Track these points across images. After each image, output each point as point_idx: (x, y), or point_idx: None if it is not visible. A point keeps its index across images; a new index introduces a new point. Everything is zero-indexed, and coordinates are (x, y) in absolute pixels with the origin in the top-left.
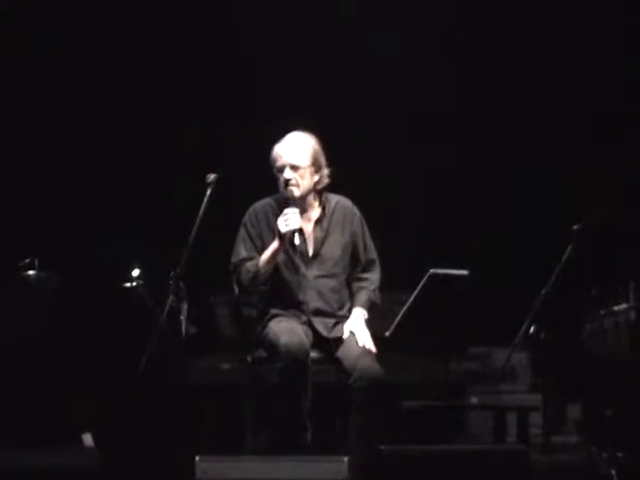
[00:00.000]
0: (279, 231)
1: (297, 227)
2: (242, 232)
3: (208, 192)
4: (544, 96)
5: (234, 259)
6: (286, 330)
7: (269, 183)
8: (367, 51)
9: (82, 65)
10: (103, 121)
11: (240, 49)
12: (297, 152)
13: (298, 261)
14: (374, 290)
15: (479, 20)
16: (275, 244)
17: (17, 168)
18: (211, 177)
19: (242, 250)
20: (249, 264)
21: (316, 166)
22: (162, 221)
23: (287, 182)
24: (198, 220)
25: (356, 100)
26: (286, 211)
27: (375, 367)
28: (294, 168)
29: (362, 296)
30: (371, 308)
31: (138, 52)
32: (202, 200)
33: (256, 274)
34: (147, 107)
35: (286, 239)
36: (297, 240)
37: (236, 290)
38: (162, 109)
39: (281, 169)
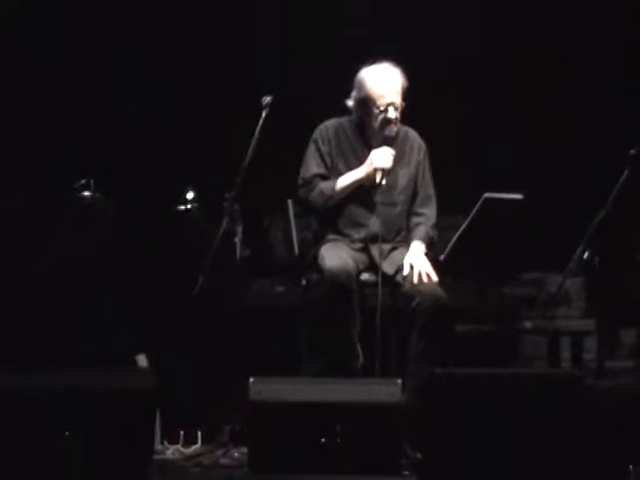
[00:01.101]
0: (371, 164)
1: (389, 166)
2: (312, 148)
3: (263, 114)
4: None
5: (305, 174)
6: (333, 255)
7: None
8: None
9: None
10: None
11: None
12: (399, 91)
13: (366, 186)
14: (432, 226)
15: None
16: (361, 174)
17: (74, 94)
18: (267, 99)
19: (313, 166)
20: (323, 185)
21: (404, 98)
22: (218, 143)
23: (389, 121)
24: (253, 142)
25: None
26: (384, 148)
27: (439, 291)
28: (396, 107)
29: (420, 231)
30: (429, 243)
31: None
32: (257, 122)
33: (331, 197)
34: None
35: (374, 174)
36: (383, 180)
37: (305, 206)
38: (216, 37)
39: (385, 107)
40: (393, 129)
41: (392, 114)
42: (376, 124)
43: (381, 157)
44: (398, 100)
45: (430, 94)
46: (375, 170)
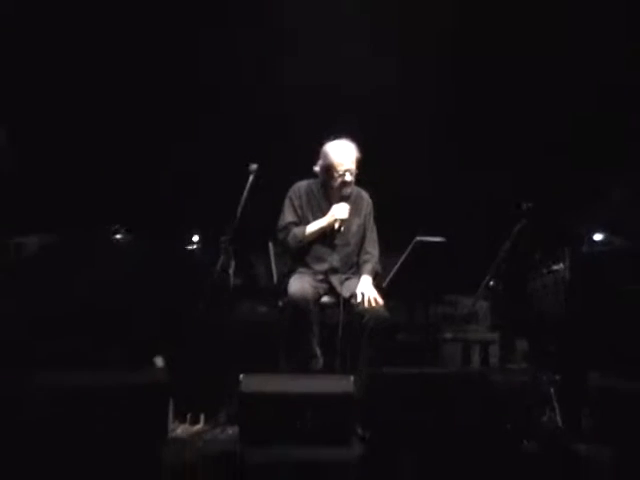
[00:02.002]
0: (332, 215)
1: (345, 217)
2: (287, 202)
3: (250, 178)
4: None
5: (282, 222)
6: (296, 284)
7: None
8: None
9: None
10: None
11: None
12: (353, 159)
13: (327, 232)
14: (376, 262)
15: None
16: (324, 223)
17: (106, 147)
18: (253, 167)
19: (288, 216)
20: (296, 230)
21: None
22: (217, 199)
23: (345, 183)
24: (242, 199)
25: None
26: (342, 204)
27: (382, 310)
28: (351, 172)
29: (368, 267)
30: (375, 275)
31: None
32: (246, 184)
33: (301, 240)
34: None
35: (334, 223)
36: (341, 227)
37: (282, 245)
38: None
39: (342, 173)
40: (348, 190)
41: (348, 178)
42: (336, 185)
43: (340, 210)
44: (353, 167)
45: (376, 164)
46: (335, 220)
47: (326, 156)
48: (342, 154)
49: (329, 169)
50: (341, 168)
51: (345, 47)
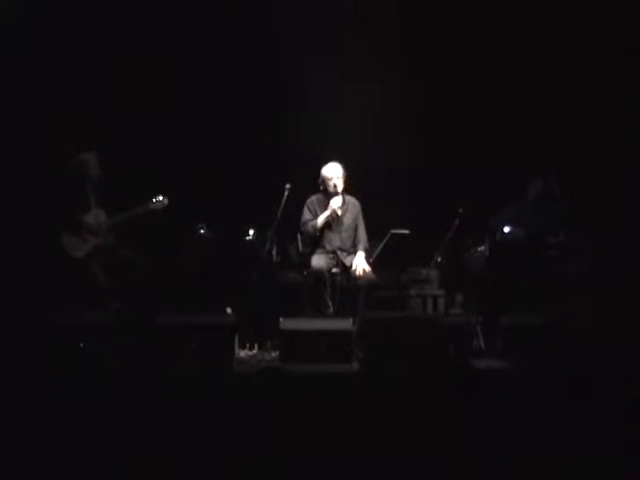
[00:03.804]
0: (332, 207)
1: (339, 205)
2: (306, 207)
3: (286, 193)
4: None
5: (303, 219)
6: (315, 260)
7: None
8: None
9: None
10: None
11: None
12: (339, 172)
13: (332, 223)
14: (366, 244)
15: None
16: (327, 213)
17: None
18: (287, 186)
19: (307, 215)
20: (312, 223)
21: (344, 178)
22: (264, 211)
23: (335, 186)
24: (281, 207)
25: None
26: (336, 198)
27: (372, 276)
28: (338, 179)
29: (360, 247)
30: (365, 253)
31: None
32: (282, 199)
33: (315, 228)
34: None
35: (334, 211)
36: (339, 211)
37: (300, 238)
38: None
39: (331, 180)
40: (338, 190)
41: (336, 182)
42: (330, 189)
43: (335, 202)
44: (339, 175)
45: (362, 177)
46: (333, 210)
47: (321, 173)
48: (330, 170)
49: (324, 181)
50: (331, 180)
51: None
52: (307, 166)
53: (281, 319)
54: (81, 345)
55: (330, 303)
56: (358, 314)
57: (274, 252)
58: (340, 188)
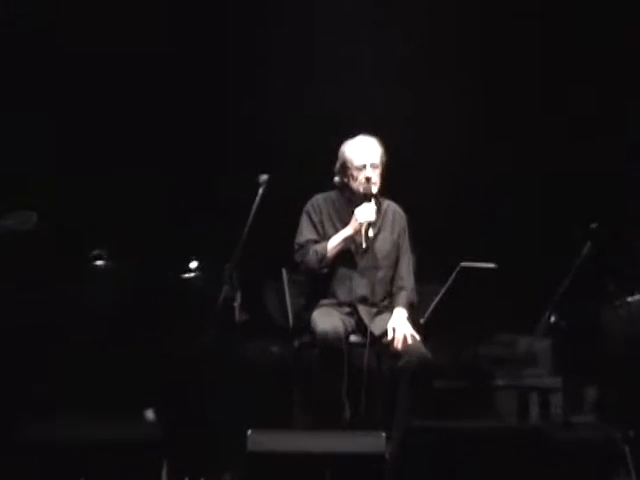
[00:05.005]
0: (356, 219)
1: (372, 219)
2: (305, 218)
3: (260, 191)
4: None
5: (299, 240)
6: (325, 319)
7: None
8: None
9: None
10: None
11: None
12: (376, 152)
13: (353, 252)
14: (412, 291)
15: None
16: (349, 231)
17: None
18: (263, 178)
19: (307, 233)
20: (317, 246)
21: (383, 167)
22: (219, 217)
23: (368, 179)
24: (251, 216)
25: None
26: (364, 204)
27: (423, 349)
28: (374, 167)
29: (402, 297)
30: (410, 307)
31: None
32: (254, 198)
33: (324, 256)
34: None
35: (360, 228)
36: (370, 232)
37: (301, 268)
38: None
39: (361, 167)
40: (372, 187)
41: (370, 172)
42: (356, 184)
43: (364, 212)
44: (376, 160)
45: (410, 170)
46: (361, 225)
47: (342, 153)
48: (359, 145)
49: (346, 165)
50: (359, 161)
51: None
52: (303, 144)
53: (249, 432)
54: None
55: (346, 400)
56: (398, 423)
57: (237, 303)
58: (377, 186)
